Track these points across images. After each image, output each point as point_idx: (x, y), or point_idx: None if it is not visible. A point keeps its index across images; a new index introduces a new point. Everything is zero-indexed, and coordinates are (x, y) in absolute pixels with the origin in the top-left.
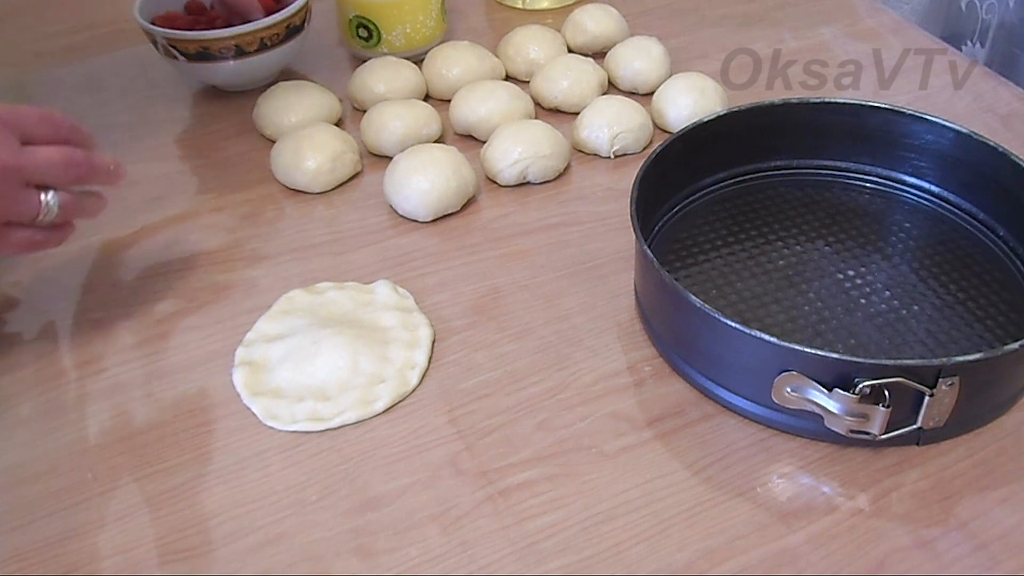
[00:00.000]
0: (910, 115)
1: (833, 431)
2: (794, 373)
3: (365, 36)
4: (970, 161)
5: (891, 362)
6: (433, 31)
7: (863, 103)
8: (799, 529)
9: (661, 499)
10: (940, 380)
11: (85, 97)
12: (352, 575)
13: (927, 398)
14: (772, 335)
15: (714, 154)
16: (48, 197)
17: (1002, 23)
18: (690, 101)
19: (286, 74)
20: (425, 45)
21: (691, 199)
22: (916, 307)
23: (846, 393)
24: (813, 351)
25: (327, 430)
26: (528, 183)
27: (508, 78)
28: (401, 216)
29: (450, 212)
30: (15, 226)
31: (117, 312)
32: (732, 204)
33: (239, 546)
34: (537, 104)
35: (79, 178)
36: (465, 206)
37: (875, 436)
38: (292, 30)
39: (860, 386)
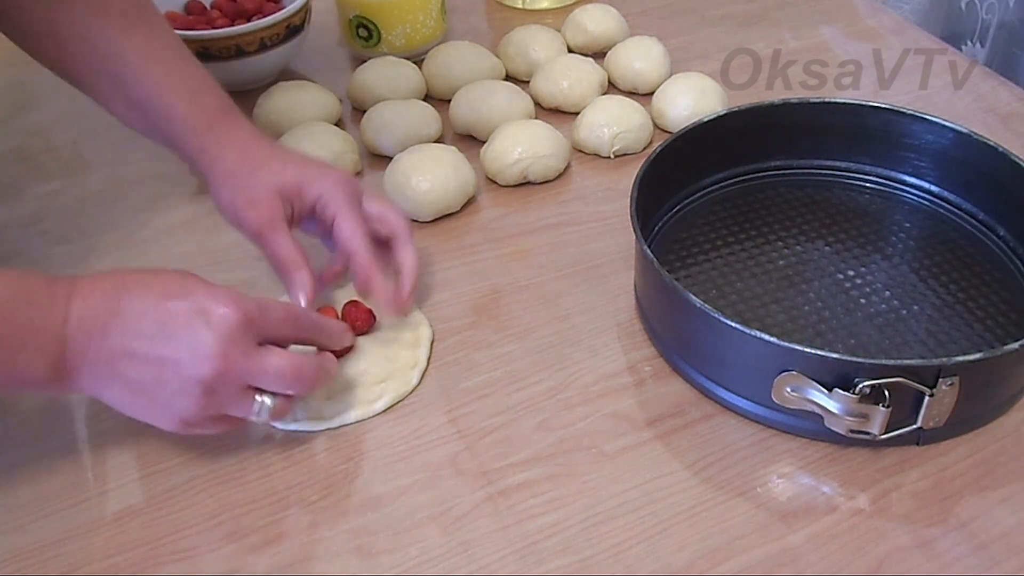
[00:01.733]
0: (910, 115)
1: (833, 431)
2: (794, 373)
3: (365, 36)
4: (970, 161)
5: (891, 362)
6: (433, 31)
7: (863, 103)
8: (799, 529)
9: (661, 499)
10: (940, 380)
11: (85, 97)
12: (352, 575)
13: (927, 398)
14: (772, 335)
15: (714, 154)
16: (263, 400)
17: (1002, 23)
18: (690, 101)
19: (286, 74)
20: (425, 45)
21: (691, 199)
22: (916, 307)
23: (846, 393)
24: (813, 351)
25: (327, 429)
26: (528, 183)
27: (508, 78)
28: None
29: (450, 212)
30: (224, 417)
31: None
32: (732, 204)
33: (239, 546)
34: (537, 104)
35: (304, 388)
36: (465, 206)
37: (875, 436)
38: (292, 30)
39: (860, 386)
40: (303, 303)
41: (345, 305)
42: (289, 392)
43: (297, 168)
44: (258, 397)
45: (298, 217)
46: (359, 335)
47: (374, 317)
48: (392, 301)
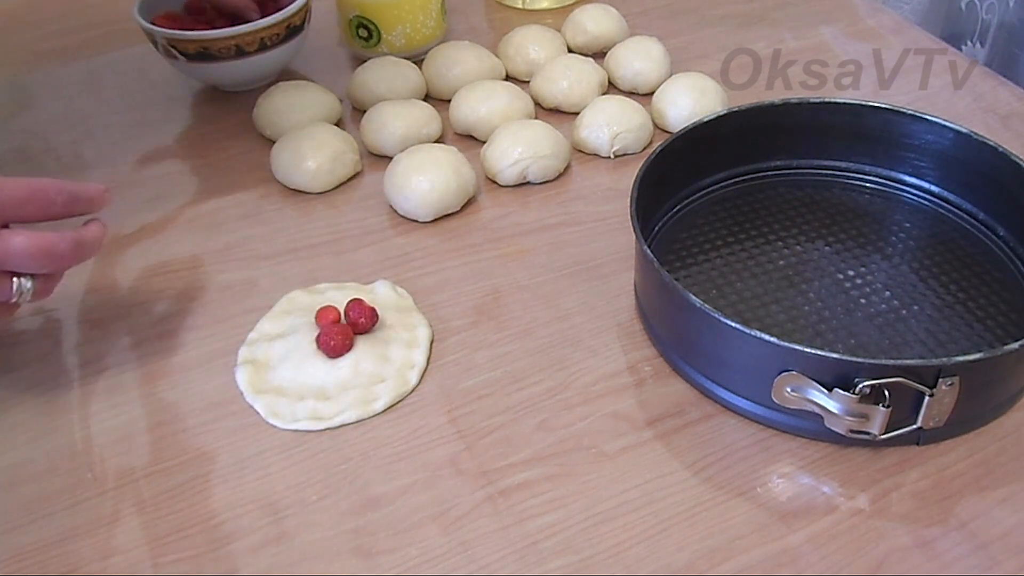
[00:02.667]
0: (910, 115)
1: (833, 431)
2: (794, 373)
3: (365, 36)
4: (970, 161)
5: (891, 362)
6: (433, 31)
7: (863, 103)
8: (799, 529)
9: (661, 499)
10: (940, 380)
11: (85, 97)
12: (352, 575)
13: (927, 398)
14: (772, 335)
15: (714, 154)
16: (21, 281)
17: (1002, 23)
18: (690, 101)
19: (286, 74)
20: (425, 45)
21: (691, 199)
22: (916, 307)
23: (846, 393)
24: (813, 351)
25: (327, 429)
26: (528, 183)
27: (508, 78)
28: (401, 216)
29: (450, 212)
30: None
31: (117, 312)
32: (732, 204)
33: (239, 546)
34: (537, 104)
35: (60, 265)
36: (465, 206)
37: (875, 436)
38: (292, 30)
39: (860, 386)
40: None
41: (348, 303)
42: (45, 270)
43: None
44: (15, 280)
45: None
46: (362, 333)
47: (376, 316)
48: None
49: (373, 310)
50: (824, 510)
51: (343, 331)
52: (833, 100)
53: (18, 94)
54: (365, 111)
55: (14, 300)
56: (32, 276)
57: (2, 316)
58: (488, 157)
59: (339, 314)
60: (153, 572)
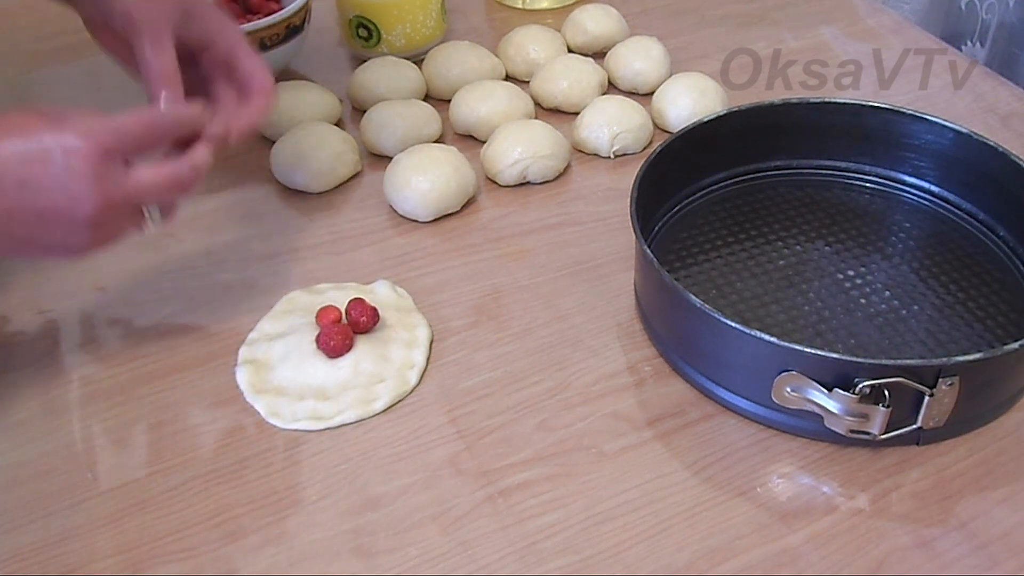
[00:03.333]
0: (910, 115)
1: (833, 431)
2: (794, 373)
3: (365, 36)
4: (970, 161)
5: (891, 362)
6: (433, 31)
7: (863, 103)
8: (799, 529)
9: (661, 499)
10: (940, 380)
11: (85, 97)
12: (352, 575)
13: (927, 398)
14: (772, 335)
15: (714, 154)
16: (151, 209)
17: (1002, 23)
18: (690, 101)
19: (286, 74)
20: (425, 45)
21: (691, 199)
22: (916, 307)
23: (846, 393)
24: (813, 351)
25: (327, 429)
26: (528, 183)
27: (508, 78)
28: (401, 216)
29: (450, 212)
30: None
31: (117, 312)
32: (732, 204)
33: (239, 546)
34: (537, 104)
35: (185, 192)
36: (465, 206)
37: (875, 436)
38: (292, 30)
39: (860, 386)
40: (166, 109)
41: (349, 303)
42: (174, 199)
43: None
44: (145, 209)
45: (187, 40)
46: (363, 332)
47: (377, 316)
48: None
49: (374, 310)
50: (824, 510)
51: (343, 331)
52: (833, 100)
53: (18, 94)
54: (365, 111)
55: (145, 229)
56: (158, 207)
57: (123, 236)
58: (488, 157)
59: (340, 314)
60: (153, 572)
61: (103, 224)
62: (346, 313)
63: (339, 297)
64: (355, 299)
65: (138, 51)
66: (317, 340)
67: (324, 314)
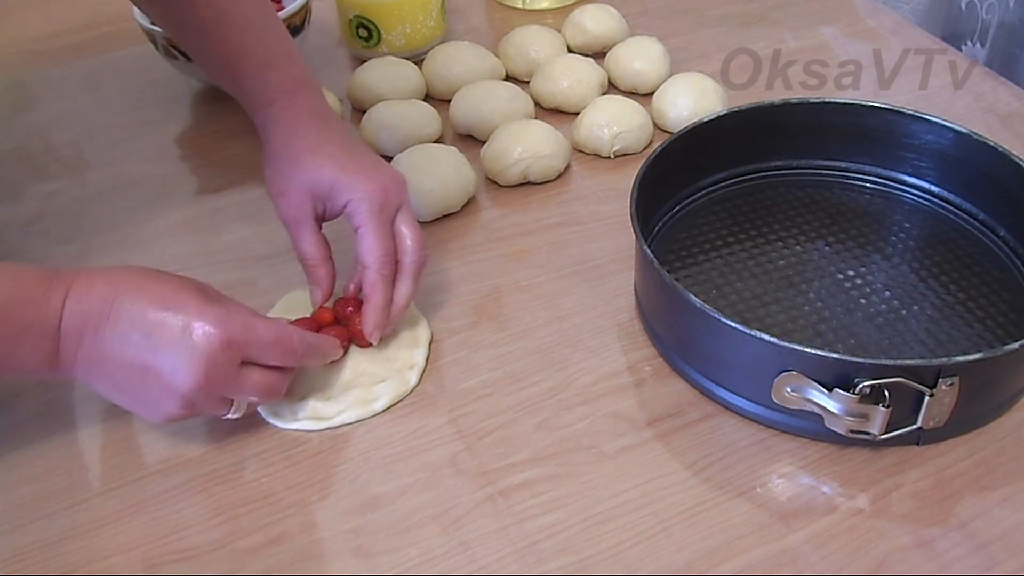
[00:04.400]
0: (910, 115)
1: (833, 431)
2: (794, 373)
3: (365, 36)
4: (970, 161)
5: (891, 362)
6: (433, 31)
7: (863, 103)
8: (799, 529)
9: (661, 499)
10: (940, 380)
11: (85, 97)
12: (352, 575)
13: (927, 398)
14: (772, 335)
15: (714, 154)
16: (239, 403)
17: (1002, 23)
18: (690, 101)
19: None
20: (425, 45)
21: (691, 199)
22: (916, 307)
23: (846, 393)
24: (813, 351)
25: (327, 429)
26: (528, 183)
27: (508, 78)
28: None
29: (450, 212)
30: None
31: None
32: (732, 204)
33: (239, 546)
34: (537, 104)
35: (275, 398)
36: (465, 206)
37: (875, 436)
38: (292, 30)
39: (860, 386)
40: (319, 299)
41: (351, 312)
42: (264, 401)
43: (334, 169)
44: (236, 400)
45: (329, 216)
46: (366, 347)
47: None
48: (371, 330)
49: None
50: (824, 510)
51: (337, 333)
52: (833, 100)
53: (18, 94)
54: (365, 111)
55: (226, 416)
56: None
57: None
58: (488, 157)
59: (332, 316)
60: (153, 572)
61: (194, 402)
62: (349, 322)
63: (338, 298)
64: (356, 310)
65: (292, 242)
66: None
67: (317, 317)
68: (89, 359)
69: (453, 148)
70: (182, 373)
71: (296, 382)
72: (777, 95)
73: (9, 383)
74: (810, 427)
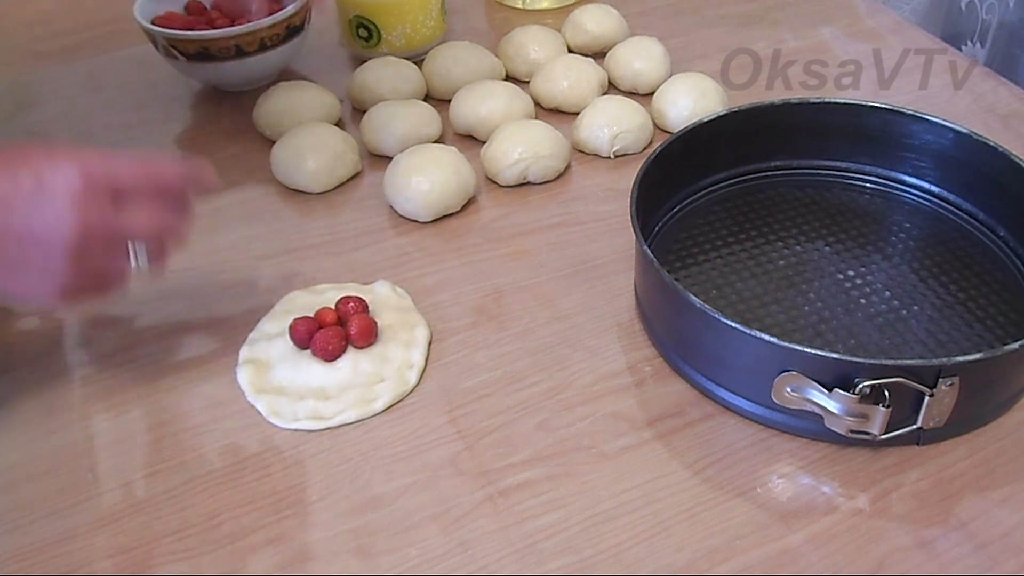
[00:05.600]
0: (910, 115)
1: (833, 431)
2: (794, 373)
3: (365, 36)
4: (970, 161)
5: (891, 362)
6: (433, 31)
7: (863, 103)
8: (799, 529)
9: (661, 499)
10: (940, 380)
11: (85, 97)
12: (352, 575)
13: (927, 398)
14: (772, 335)
15: (714, 154)
16: (138, 252)
17: (1002, 23)
18: (690, 101)
19: (286, 74)
20: (425, 45)
21: (691, 199)
22: (916, 307)
23: (846, 393)
24: (813, 351)
25: (327, 429)
26: (528, 183)
27: (508, 78)
28: (401, 216)
29: (450, 212)
30: (102, 277)
31: (117, 312)
32: (732, 204)
33: (239, 546)
34: (537, 104)
35: (174, 239)
36: (465, 206)
37: (875, 436)
38: (292, 30)
39: (860, 386)
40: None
41: (351, 312)
42: (159, 242)
43: None
44: (132, 249)
45: None
46: (365, 347)
47: (374, 332)
48: None
49: (374, 323)
50: (824, 510)
51: (337, 334)
52: (833, 100)
53: (18, 94)
54: (365, 111)
55: (133, 265)
56: (145, 250)
57: (107, 288)
58: (488, 157)
59: (335, 316)
60: (153, 572)
61: (82, 256)
62: (342, 320)
63: (338, 297)
64: (356, 314)
65: None
66: (313, 344)
67: (319, 317)
68: None
69: (453, 148)
70: (55, 226)
71: (296, 382)
72: (777, 95)
73: (9, 383)
74: (810, 427)
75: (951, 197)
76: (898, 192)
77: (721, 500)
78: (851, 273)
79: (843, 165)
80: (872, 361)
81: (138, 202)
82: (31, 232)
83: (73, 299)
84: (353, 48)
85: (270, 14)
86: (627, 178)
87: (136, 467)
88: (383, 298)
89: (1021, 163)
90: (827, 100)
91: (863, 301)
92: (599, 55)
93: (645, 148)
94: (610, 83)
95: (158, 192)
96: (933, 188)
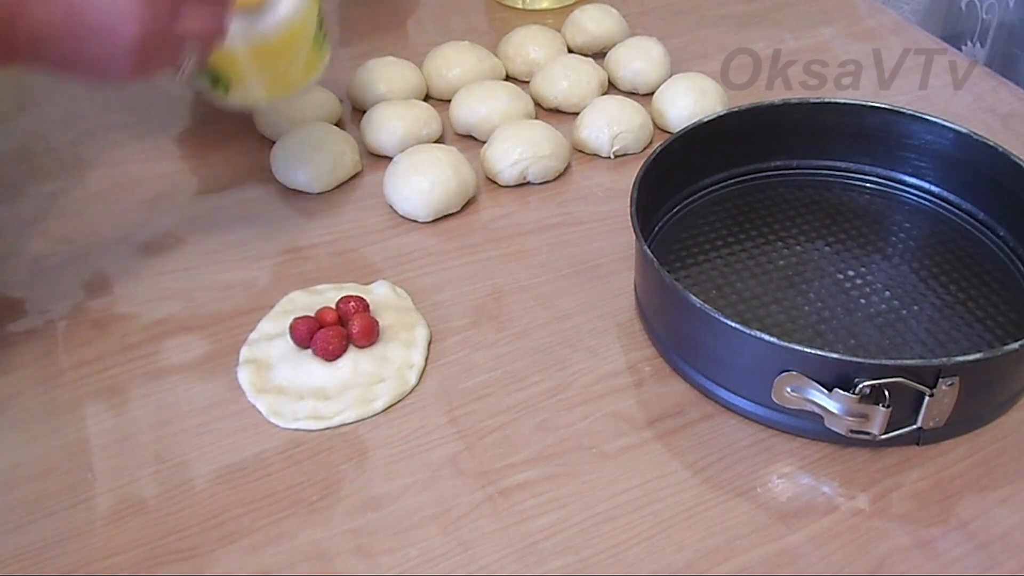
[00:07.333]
0: (910, 115)
1: (833, 431)
2: (794, 373)
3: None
4: (970, 161)
5: (891, 362)
6: (302, 75)
7: (863, 103)
8: (799, 529)
9: (661, 499)
10: (940, 380)
11: (85, 97)
12: (352, 575)
13: (927, 398)
14: (772, 335)
15: (714, 154)
16: (190, 56)
17: (1002, 23)
18: (690, 101)
19: None
20: (290, 92)
21: (691, 199)
22: (916, 307)
23: (846, 393)
24: (813, 351)
25: (327, 429)
26: (528, 183)
27: (508, 78)
28: (401, 216)
29: (450, 212)
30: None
31: (117, 312)
32: (732, 204)
33: (239, 546)
34: (537, 104)
35: (219, 39)
36: (465, 206)
37: (875, 436)
38: None
39: (860, 386)
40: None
41: (352, 312)
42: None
43: None
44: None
45: None
46: (366, 346)
47: (375, 332)
48: None
49: (375, 322)
50: (824, 510)
51: (338, 334)
52: (833, 100)
53: (18, 94)
54: (365, 111)
55: (180, 71)
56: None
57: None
58: (488, 157)
59: (335, 316)
60: (153, 572)
61: (144, 51)
62: (346, 325)
63: (338, 297)
64: (357, 313)
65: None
66: (313, 344)
67: (319, 316)
68: (31, 39)
69: (453, 148)
70: (122, 24)
71: (296, 382)
72: (777, 95)
73: (9, 383)
74: (810, 427)
75: (951, 197)
76: (898, 192)
77: (721, 500)
78: (851, 273)
79: (843, 165)
80: (872, 361)
81: (193, 5)
82: (100, 26)
83: (128, 81)
84: (205, 92)
85: None
86: (627, 178)
87: (136, 467)
88: (383, 298)
89: (1021, 163)
90: (827, 100)
91: (863, 301)
92: (599, 55)
93: (645, 148)
94: (610, 83)
95: None
96: (933, 188)
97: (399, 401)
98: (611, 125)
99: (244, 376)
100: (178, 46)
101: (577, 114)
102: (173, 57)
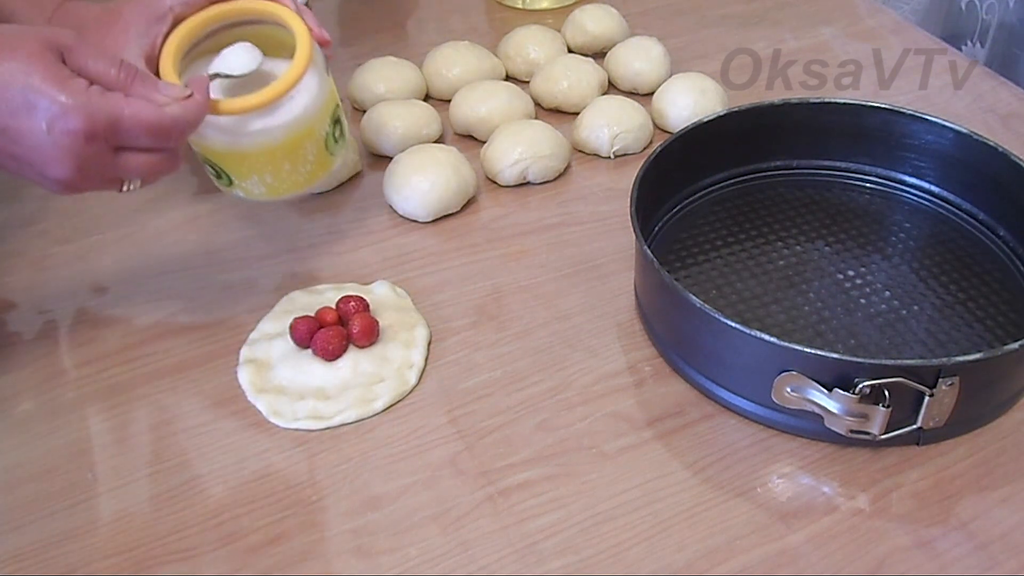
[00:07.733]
0: (910, 115)
1: (833, 431)
2: (794, 373)
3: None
4: (970, 161)
5: (891, 362)
6: (311, 174)
7: (863, 103)
8: (799, 529)
9: (661, 499)
10: (940, 380)
11: None
12: (352, 575)
13: (927, 398)
14: (772, 335)
15: (714, 154)
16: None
17: (1002, 23)
18: (690, 101)
19: None
20: (298, 190)
21: (691, 199)
22: (916, 307)
23: (846, 393)
24: (813, 351)
25: (327, 429)
26: (528, 183)
27: (508, 78)
28: (401, 216)
29: (450, 212)
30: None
31: (117, 312)
32: (732, 204)
33: (239, 546)
34: (537, 104)
35: (166, 174)
36: (465, 206)
37: (875, 436)
38: None
39: (860, 386)
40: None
41: (352, 311)
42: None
43: None
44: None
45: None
46: (366, 346)
47: (375, 331)
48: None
49: (375, 322)
50: (824, 510)
51: (338, 334)
52: (833, 100)
53: None
54: (365, 111)
55: (124, 191)
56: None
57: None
58: (488, 157)
59: (336, 316)
60: (153, 572)
61: (75, 187)
62: (346, 325)
63: (339, 298)
64: (357, 313)
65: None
66: (313, 344)
67: (319, 316)
68: None
69: (453, 148)
70: (51, 168)
71: (296, 382)
72: (777, 95)
73: (9, 383)
74: (810, 427)
75: (951, 197)
76: (898, 192)
77: (721, 500)
78: (851, 273)
79: (843, 165)
80: (872, 361)
81: (135, 146)
82: (30, 162)
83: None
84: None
85: None
86: (627, 178)
87: (136, 467)
88: (383, 298)
89: (1021, 163)
90: (827, 100)
91: (863, 301)
92: (599, 55)
93: (645, 148)
94: (610, 83)
95: (157, 136)
96: (933, 188)
97: (399, 401)
98: (611, 125)
99: (244, 376)
100: (118, 181)
101: (577, 114)
102: (112, 187)
